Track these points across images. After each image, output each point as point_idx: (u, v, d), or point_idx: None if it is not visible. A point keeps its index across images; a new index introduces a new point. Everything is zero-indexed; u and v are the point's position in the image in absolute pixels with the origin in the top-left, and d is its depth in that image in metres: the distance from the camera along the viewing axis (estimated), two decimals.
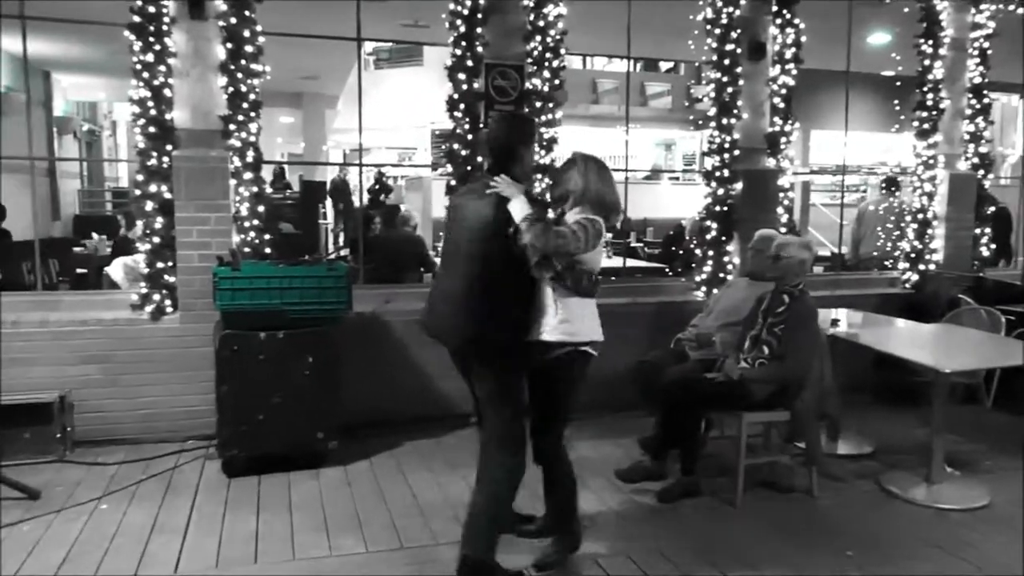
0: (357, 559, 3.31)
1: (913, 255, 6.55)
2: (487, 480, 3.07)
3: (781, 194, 6.00)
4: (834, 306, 5.07)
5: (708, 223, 5.89)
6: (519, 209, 2.87)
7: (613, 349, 5.34)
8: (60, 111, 11.92)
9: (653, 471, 4.07)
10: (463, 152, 5.21)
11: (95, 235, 8.12)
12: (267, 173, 5.82)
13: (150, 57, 4.53)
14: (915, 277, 6.51)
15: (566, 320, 3.03)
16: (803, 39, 5.89)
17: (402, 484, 4.17)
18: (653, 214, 12.26)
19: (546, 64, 5.28)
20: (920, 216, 6.56)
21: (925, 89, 6.49)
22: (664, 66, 18.41)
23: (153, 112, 4.58)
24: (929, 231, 6.56)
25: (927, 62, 6.47)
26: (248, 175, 4.76)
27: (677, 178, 17.29)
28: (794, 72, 5.91)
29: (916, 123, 6.56)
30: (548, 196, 3.39)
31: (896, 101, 7.16)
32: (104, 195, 13.99)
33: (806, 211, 13.24)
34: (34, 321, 4.54)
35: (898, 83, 7.48)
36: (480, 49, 5.16)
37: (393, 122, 15.93)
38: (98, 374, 4.60)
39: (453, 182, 5.18)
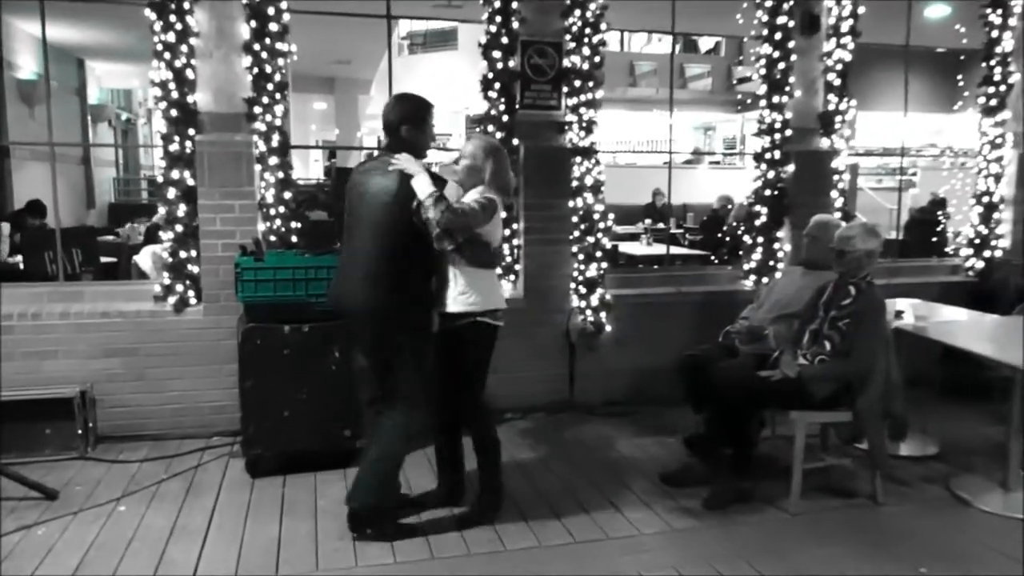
0: (384, 570, 3.10)
1: (978, 241, 6.13)
2: (380, 436, 3.31)
3: (836, 177, 5.64)
4: (892, 296, 4.72)
5: (757, 208, 5.55)
6: (423, 186, 3.08)
7: (657, 341, 5.17)
8: (95, 99, 11.90)
9: (702, 474, 3.78)
10: (498, 134, 4.94)
11: (130, 224, 8.02)
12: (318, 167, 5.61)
13: (171, 37, 4.33)
14: (980, 264, 6.10)
15: (466, 291, 3.27)
16: (861, 10, 5.50)
17: (433, 485, 3.94)
18: (693, 199, 11.86)
19: (585, 40, 4.98)
20: (985, 199, 6.13)
21: (992, 63, 6.04)
22: (704, 47, 17.89)
23: (175, 95, 4.39)
24: (995, 215, 6.12)
25: (995, 33, 6.01)
26: (274, 160, 4.55)
27: (717, 162, 16.81)
28: (851, 46, 5.53)
29: (982, 100, 6.12)
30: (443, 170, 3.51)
31: (960, 76, 6.69)
32: (140, 183, 14.01)
33: (854, 195, 12.72)
34: (55, 313, 4.40)
35: (962, 57, 7.02)
36: (516, 26, 4.87)
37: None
38: (121, 368, 4.45)
39: None
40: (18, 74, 8.61)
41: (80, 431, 4.22)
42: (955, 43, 7.48)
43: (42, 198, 7.20)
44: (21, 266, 5.57)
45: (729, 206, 8.86)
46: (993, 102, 6.07)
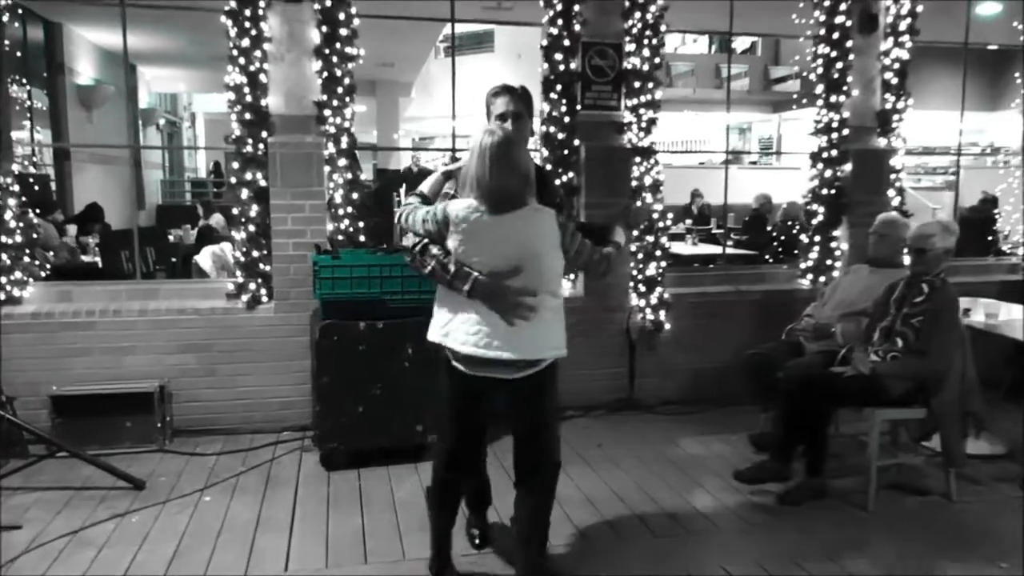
0: (468, 559, 3.16)
1: None
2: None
3: (893, 175, 5.63)
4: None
5: (814, 207, 5.55)
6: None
7: (716, 340, 5.20)
8: (144, 103, 12.16)
9: (776, 471, 3.80)
10: (559, 135, 5.00)
11: (186, 226, 8.20)
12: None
13: (246, 42, 4.45)
14: None
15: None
16: (919, 8, 5.48)
17: (504, 478, 3.99)
18: (730, 199, 11.78)
19: (645, 42, 5.02)
20: None
21: None
22: (740, 47, 17.80)
23: (249, 98, 4.51)
24: None
25: None
26: (342, 161, 4.65)
27: (754, 162, 16.71)
28: (908, 45, 5.52)
29: None
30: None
31: (1015, 74, 6.62)
32: (184, 185, 14.27)
33: (900, 195, 12.56)
34: (134, 310, 4.53)
35: (1006, 54, 6.93)
36: (577, 28, 4.93)
37: (466, 109, 15.81)
38: (195, 363, 4.57)
39: (549, 167, 4.99)
40: (78, 80, 8.84)
41: (159, 424, 4.34)
42: (1000, 41, 7.42)
43: (98, 199, 7.41)
44: (99, 265, 5.74)
45: (769, 205, 8.83)
46: None
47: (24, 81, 7.22)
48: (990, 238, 7.17)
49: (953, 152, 7.31)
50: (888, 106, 5.57)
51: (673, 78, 16.37)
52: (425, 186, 2.81)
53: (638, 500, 3.75)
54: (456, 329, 2.60)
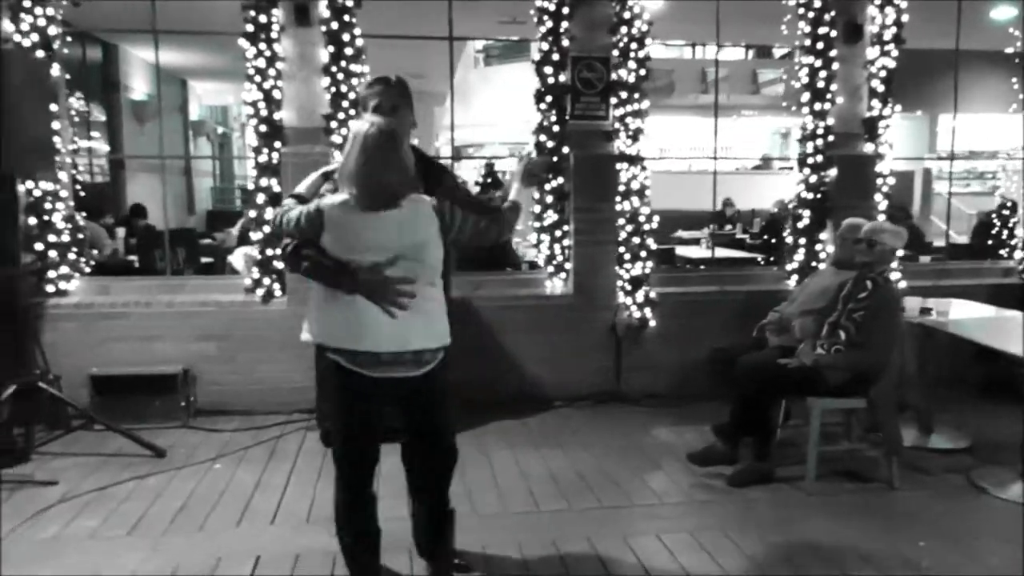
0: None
1: None
2: None
3: (879, 181, 5.82)
4: (942, 296, 4.89)
5: (800, 211, 5.79)
6: None
7: (700, 337, 5.50)
8: (195, 115, 12.99)
9: (726, 455, 4.11)
10: (549, 144, 5.39)
11: (228, 230, 8.83)
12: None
13: (262, 62, 4.97)
14: None
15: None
16: (904, 18, 5.68)
17: (483, 459, 4.40)
18: (763, 204, 11.97)
19: (632, 55, 5.36)
20: None
21: None
22: (778, 52, 17.80)
23: (264, 112, 5.02)
24: None
25: None
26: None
27: (791, 168, 16.68)
28: (894, 53, 5.71)
29: None
30: None
31: None
32: (234, 192, 15.10)
33: (928, 199, 12.54)
34: (163, 302, 5.09)
35: None
36: (566, 43, 5.31)
37: (504, 117, 16.24)
38: (216, 351, 5.10)
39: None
40: (132, 95, 9.62)
41: (182, 404, 4.89)
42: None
43: (148, 205, 8.11)
44: (136, 263, 6.37)
45: (787, 210, 9.02)
46: None
47: (83, 97, 7.95)
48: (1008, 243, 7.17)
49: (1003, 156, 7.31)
50: (875, 113, 5.77)
51: (708, 84, 16.49)
52: (302, 187, 2.75)
53: (596, 478, 4.11)
54: (339, 327, 2.54)
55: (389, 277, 2.49)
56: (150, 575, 3.12)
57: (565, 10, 5.26)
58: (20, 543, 3.36)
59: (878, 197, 5.81)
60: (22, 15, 4.72)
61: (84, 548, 3.34)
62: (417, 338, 2.56)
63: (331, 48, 5.00)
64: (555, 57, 5.31)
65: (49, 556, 3.26)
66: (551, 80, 5.33)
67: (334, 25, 4.97)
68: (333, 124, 5.06)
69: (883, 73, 5.75)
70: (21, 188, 4.81)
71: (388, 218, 2.48)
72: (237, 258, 6.77)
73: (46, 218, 4.92)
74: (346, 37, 5.00)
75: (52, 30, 4.85)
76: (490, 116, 16.67)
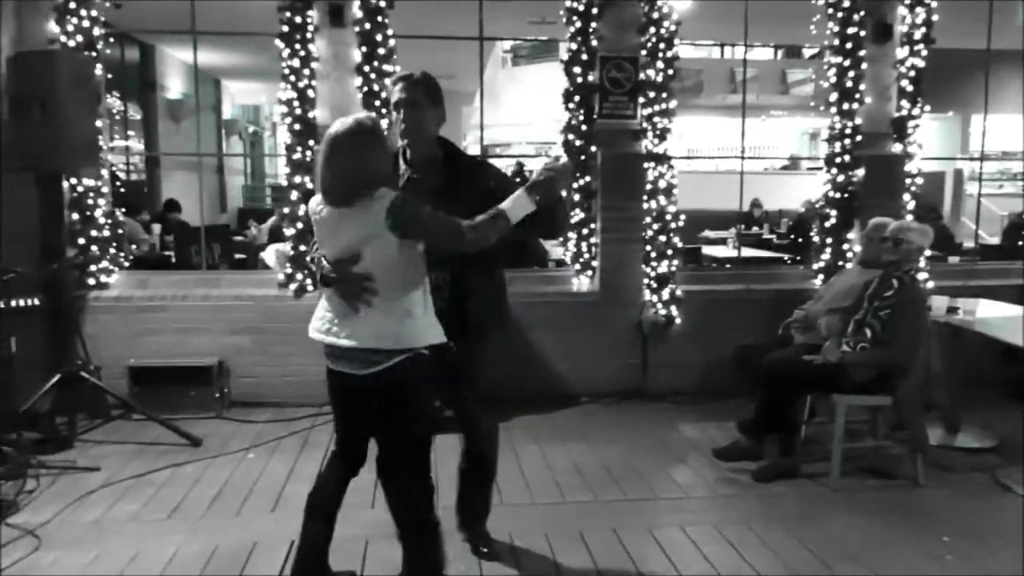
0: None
1: None
2: None
3: (908, 181, 5.81)
4: (970, 296, 4.87)
5: (827, 210, 5.80)
6: None
7: (726, 335, 5.50)
8: (228, 114, 13.22)
9: (750, 451, 4.15)
10: (577, 143, 5.45)
11: (255, 225, 9.00)
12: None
13: (296, 62, 5.09)
14: None
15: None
16: (934, 18, 5.66)
17: (510, 452, 4.46)
18: (789, 205, 11.92)
19: (660, 55, 5.41)
20: None
21: None
22: (807, 52, 17.68)
23: (299, 111, 5.14)
24: None
25: None
26: None
27: (820, 168, 16.56)
28: (924, 53, 5.70)
29: None
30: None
31: None
32: (265, 190, 15.34)
33: (959, 200, 12.39)
34: (199, 296, 5.24)
35: None
36: (595, 43, 5.37)
37: (532, 117, 16.33)
38: (249, 344, 5.23)
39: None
40: (168, 95, 9.83)
41: (217, 395, 5.03)
42: None
43: (182, 203, 8.30)
44: (172, 258, 6.55)
45: (814, 210, 9.00)
46: None
47: (120, 96, 8.16)
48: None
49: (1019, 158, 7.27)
50: (904, 113, 5.76)
51: (738, 84, 16.43)
52: None
53: (622, 471, 4.17)
54: (316, 320, 2.66)
55: (353, 274, 2.48)
56: (191, 556, 3.23)
57: (594, 10, 5.32)
58: (66, 526, 3.50)
59: (906, 197, 5.80)
60: (68, 17, 4.88)
61: (126, 531, 3.47)
62: (368, 337, 2.50)
63: (364, 48, 5.11)
64: (584, 57, 5.37)
65: (94, 538, 3.39)
66: (580, 79, 5.40)
67: (367, 25, 5.08)
68: None
69: (912, 73, 5.73)
70: (64, 185, 4.98)
71: (351, 215, 2.47)
72: (269, 254, 6.91)
73: (88, 214, 5.08)
74: (379, 37, 5.10)
75: (96, 31, 5.01)
76: (517, 116, 16.77)
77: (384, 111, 5.20)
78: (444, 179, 2.87)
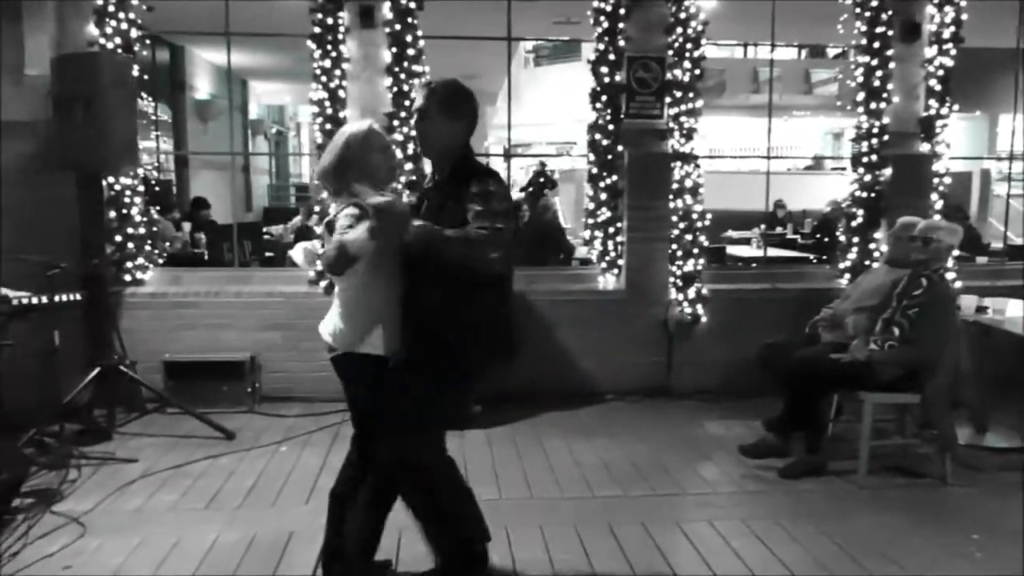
0: (491, 503, 3.70)
1: None
2: None
3: (936, 180, 5.80)
4: (998, 296, 4.86)
5: (854, 209, 5.80)
6: None
7: (752, 333, 5.52)
8: (254, 114, 13.39)
9: (777, 448, 4.17)
10: (604, 142, 5.50)
11: (283, 226, 9.13)
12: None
13: (327, 63, 5.17)
14: None
15: None
16: (963, 17, 5.65)
17: (538, 447, 4.53)
18: (813, 205, 11.87)
19: (687, 55, 5.44)
20: None
21: None
22: (832, 52, 17.60)
23: (329, 111, 5.22)
24: None
25: None
26: (408, 166, 5.31)
27: (844, 168, 16.47)
28: (952, 52, 5.68)
29: None
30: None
31: None
32: (289, 189, 15.51)
33: (986, 200, 12.28)
34: (231, 292, 5.34)
35: None
36: (622, 43, 5.41)
37: (553, 117, 16.38)
38: (280, 340, 5.33)
39: (595, 170, 5.52)
40: (196, 95, 9.99)
41: (249, 390, 5.13)
42: None
43: (210, 200, 8.43)
44: (204, 255, 6.68)
45: (839, 210, 8.98)
46: None
47: (150, 98, 8.31)
48: None
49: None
50: (932, 112, 5.75)
51: (761, 84, 16.38)
52: None
53: (649, 467, 4.21)
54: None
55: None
56: (231, 543, 3.32)
57: (621, 11, 5.37)
58: (108, 514, 3.61)
59: (934, 197, 5.79)
60: (107, 20, 5.00)
61: (166, 519, 3.57)
62: (326, 330, 2.85)
63: (394, 49, 5.18)
64: (611, 57, 5.42)
65: (135, 526, 3.49)
66: (607, 79, 5.44)
67: (397, 26, 5.15)
68: (395, 123, 5.24)
69: (941, 72, 5.72)
70: (103, 183, 5.10)
71: (340, 214, 2.62)
72: (297, 253, 6.97)
73: (124, 212, 5.20)
74: (408, 38, 5.18)
75: (133, 33, 5.13)
76: (539, 116, 16.83)
77: (414, 111, 5.27)
78: (443, 197, 2.70)
